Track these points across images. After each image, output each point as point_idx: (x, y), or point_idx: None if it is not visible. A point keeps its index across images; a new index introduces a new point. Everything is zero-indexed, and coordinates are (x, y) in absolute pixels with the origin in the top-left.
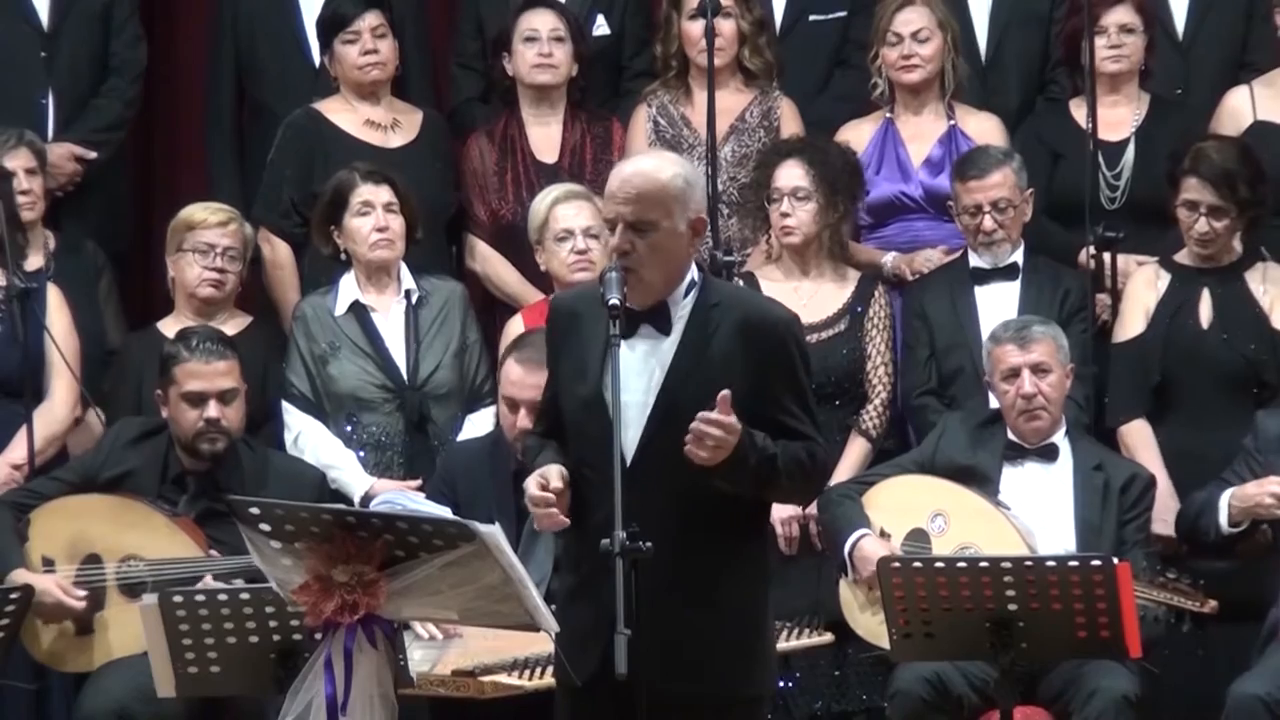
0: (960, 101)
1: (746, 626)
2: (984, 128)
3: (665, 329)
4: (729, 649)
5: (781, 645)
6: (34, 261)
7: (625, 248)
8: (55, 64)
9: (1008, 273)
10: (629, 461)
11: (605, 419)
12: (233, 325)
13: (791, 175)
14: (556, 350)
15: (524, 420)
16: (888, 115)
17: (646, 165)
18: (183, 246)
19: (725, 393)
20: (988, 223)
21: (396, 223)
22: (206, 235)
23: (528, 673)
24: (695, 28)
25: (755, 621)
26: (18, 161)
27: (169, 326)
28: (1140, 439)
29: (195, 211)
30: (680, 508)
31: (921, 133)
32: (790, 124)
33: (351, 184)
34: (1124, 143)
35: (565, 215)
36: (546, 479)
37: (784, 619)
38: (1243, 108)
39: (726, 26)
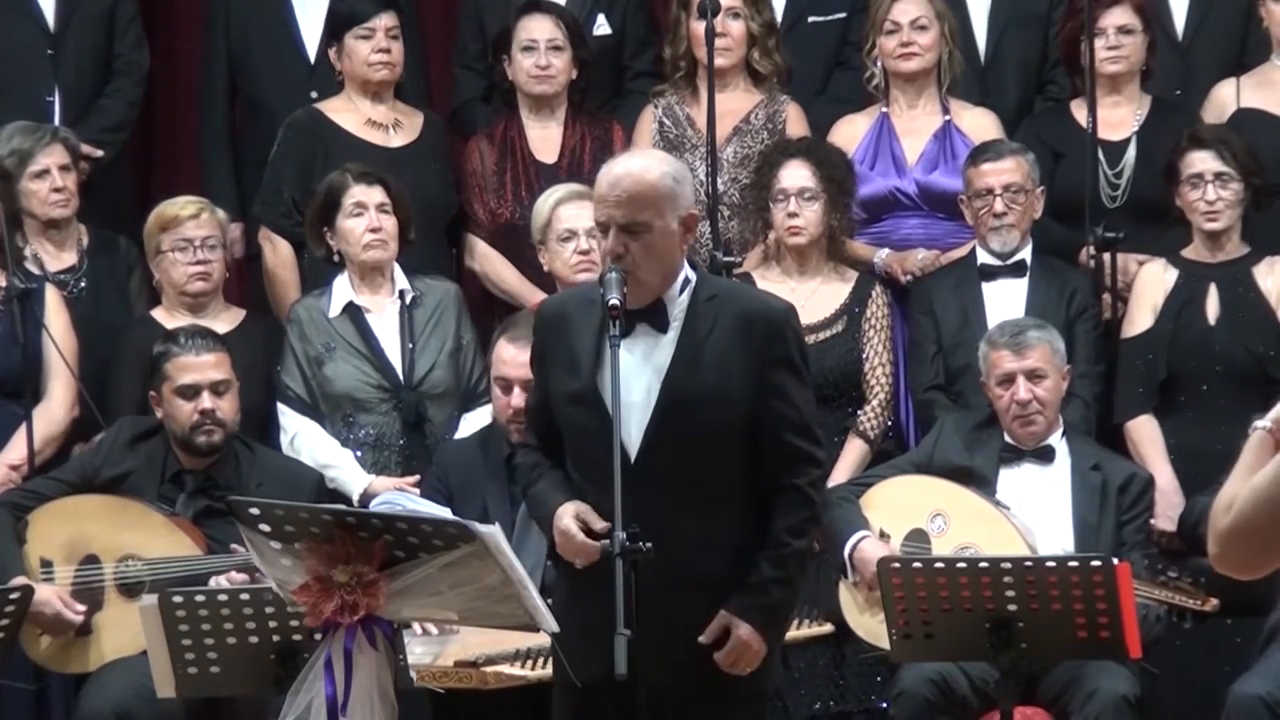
0: (957, 98)
1: None
2: (980, 123)
3: (663, 327)
4: None
5: None
6: (68, 258)
7: (619, 251)
8: (61, 63)
9: (1015, 270)
10: (632, 459)
11: (602, 414)
12: (226, 320)
13: (798, 175)
14: (546, 354)
15: (517, 399)
16: (883, 110)
17: (635, 166)
18: (163, 248)
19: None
20: (998, 204)
21: (389, 223)
22: (184, 230)
23: (530, 663)
24: (703, 28)
25: None
26: (52, 158)
27: (163, 315)
28: (1146, 435)
29: (166, 209)
30: (681, 502)
31: (917, 128)
32: (796, 127)
33: (344, 185)
34: (1125, 142)
35: (569, 215)
36: (587, 521)
37: None
38: (1228, 98)
39: (736, 28)
